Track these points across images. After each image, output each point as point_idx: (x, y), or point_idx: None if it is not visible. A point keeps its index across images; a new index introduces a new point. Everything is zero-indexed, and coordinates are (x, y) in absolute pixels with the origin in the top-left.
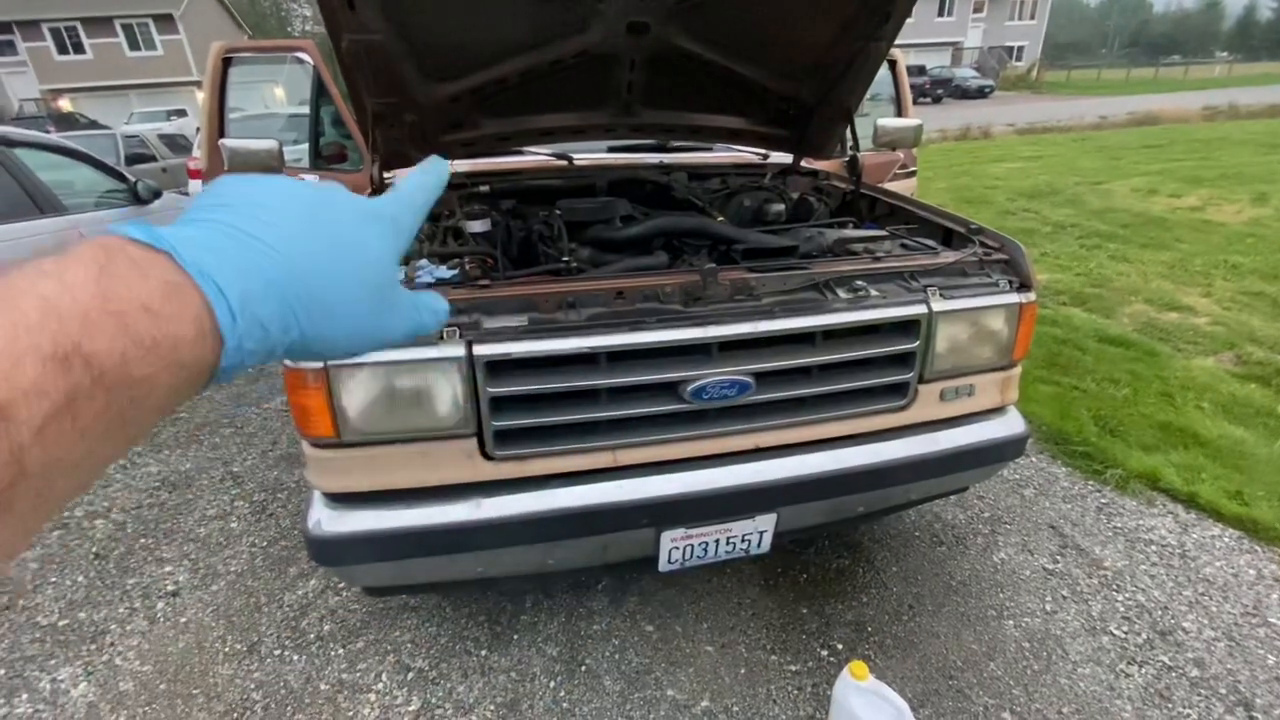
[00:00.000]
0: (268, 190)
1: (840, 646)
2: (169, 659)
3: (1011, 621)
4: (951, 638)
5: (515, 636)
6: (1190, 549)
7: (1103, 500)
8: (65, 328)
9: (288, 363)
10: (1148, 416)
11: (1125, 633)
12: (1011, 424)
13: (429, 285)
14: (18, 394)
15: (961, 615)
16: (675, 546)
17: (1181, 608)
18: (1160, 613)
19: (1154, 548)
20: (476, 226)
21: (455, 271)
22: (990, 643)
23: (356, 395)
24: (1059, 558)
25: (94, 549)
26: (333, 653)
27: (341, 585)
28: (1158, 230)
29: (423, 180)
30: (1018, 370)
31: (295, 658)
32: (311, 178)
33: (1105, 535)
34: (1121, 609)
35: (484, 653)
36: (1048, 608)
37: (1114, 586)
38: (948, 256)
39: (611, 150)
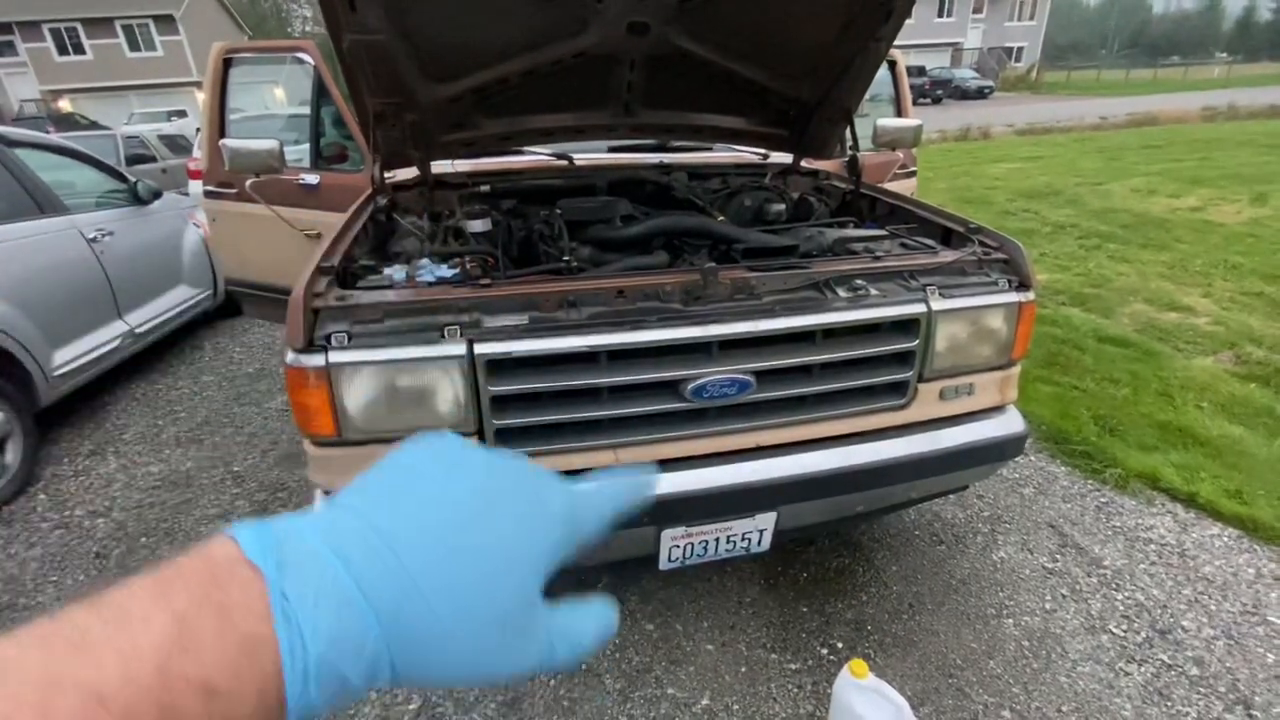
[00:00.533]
0: (428, 464)
1: (840, 645)
2: None
3: (1011, 620)
4: (951, 636)
5: None
6: (1189, 548)
7: (1102, 499)
8: None
9: (288, 361)
10: (1147, 416)
11: (1124, 631)
12: (1011, 423)
13: (431, 283)
14: None
15: (961, 614)
16: (675, 545)
17: (1181, 606)
18: (1159, 611)
19: (1153, 547)
20: (477, 226)
21: (456, 270)
22: (990, 641)
23: (358, 394)
24: (1058, 556)
25: (95, 548)
26: None
27: None
28: (1157, 230)
29: (622, 489)
30: (1017, 369)
31: None
32: (312, 178)
33: (1105, 534)
34: (1121, 608)
35: None
36: (1047, 606)
37: (1113, 585)
38: (947, 256)
39: (612, 150)
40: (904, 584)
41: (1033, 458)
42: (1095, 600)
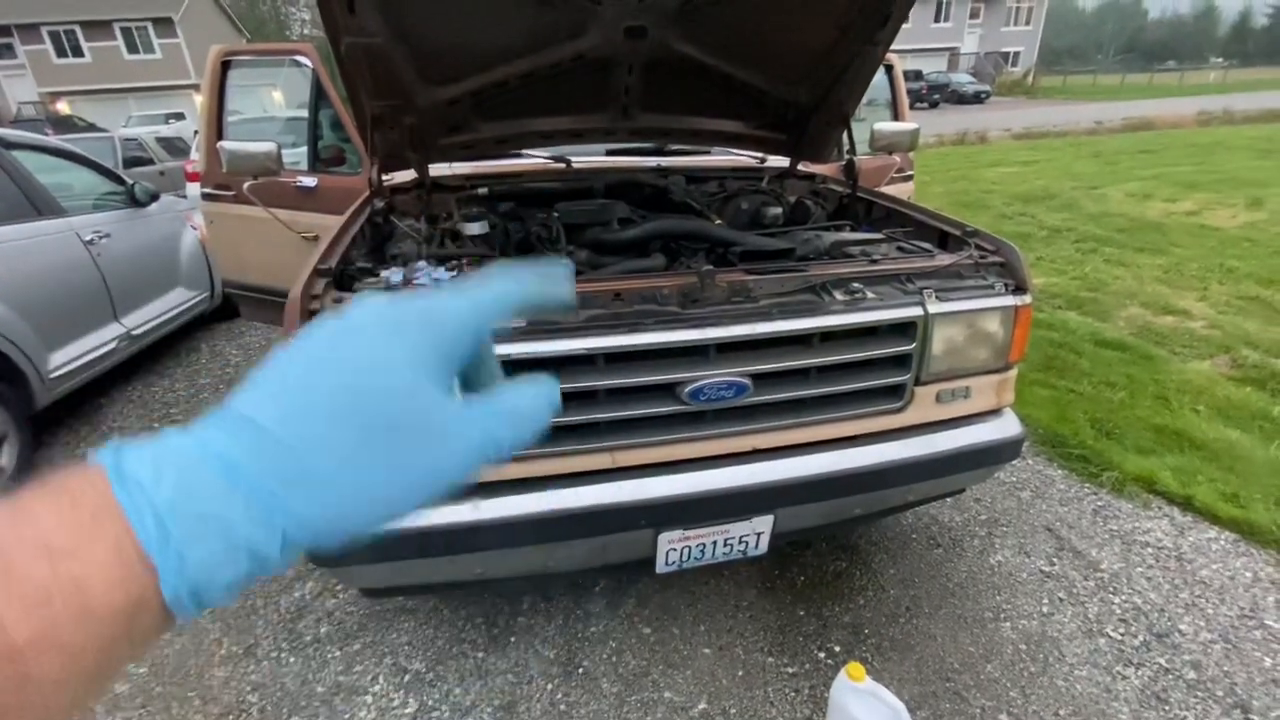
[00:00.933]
0: (298, 343)
1: (838, 648)
2: (165, 661)
3: (1008, 624)
4: (948, 640)
5: (512, 639)
6: (1186, 551)
7: (1099, 503)
8: None
9: None
10: (1144, 419)
11: (1122, 635)
12: (1007, 426)
13: (428, 286)
14: None
15: (958, 617)
16: (673, 548)
17: (1178, 610)
18: (1157, 615)
19: (1150, 550)
20: (474, 229)
21: (454, 273)
22: (987, 645)
23: None
24: (1056, 560)
25: None
26: (329, 655)
27: (339, 587)
28: (1153, 234)
29: (512, 286)
30: (1014, 373)
31: (292, 660)
32: (310, 181)
33: (1102, 538)
34: (1118, 611)
35: (481, 655)
36: (1045, 610)
37: (1110, 589)
38: (943, 259)
39: (609, 153)
40: (901, 588)
41: (1030, 461)
42: (1092, 604)
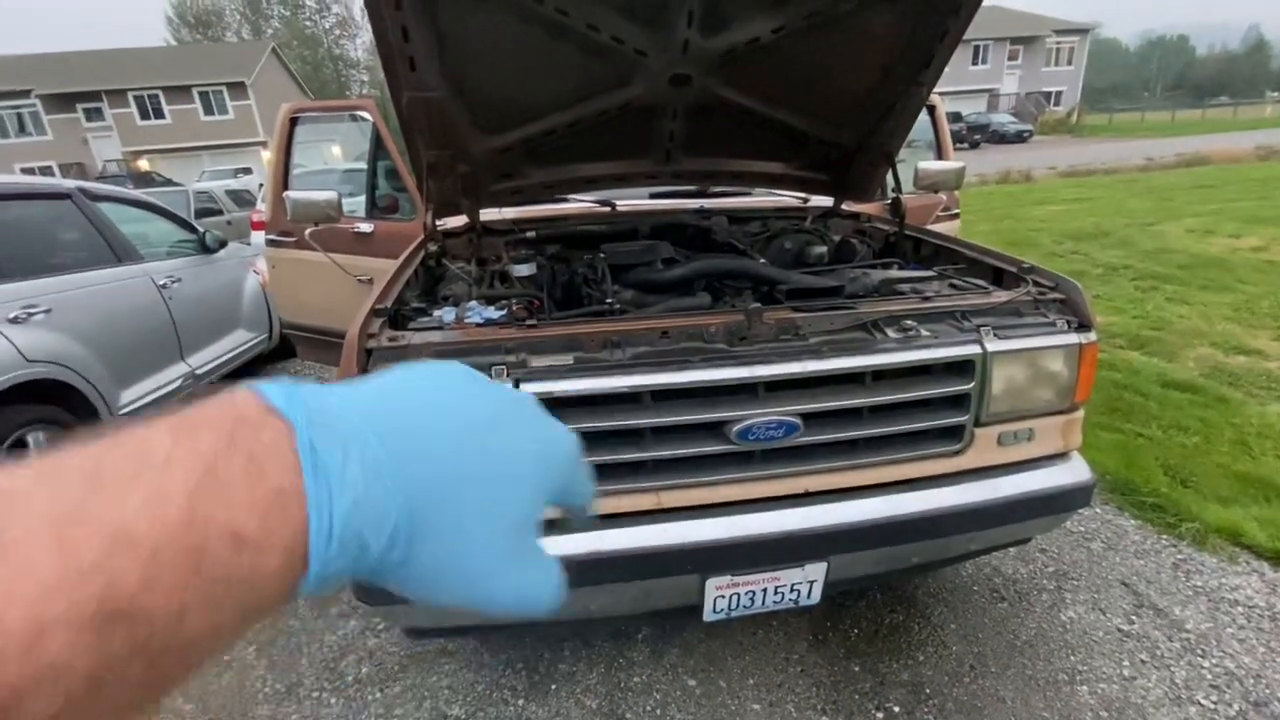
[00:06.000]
0: (447, 377)
1: (896, 709)
2: (211, 697)
3: (1085, 687)
4: (1020, 703)
5: (553, 686)
6: None
7: (1179, 556)
8: (124, 576)
9: None
10: (1223, 466)
11: (1215, 703)
12: (1076, 471)
13: (479, 325)
14: (30, 679)
15: (1029, 678)
16: (721, 595)
17: (1277, 676)
18: (1253, 681)
19: (1240, 609)
20: (523, 270)
21: (503, 313)
22: (1064, 710)
23: None
24: (1134, 618)
25: None
26: (370, 696)
27: (381, 627)
28: (1218, 271)
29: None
30: (1080, 414)
31: (333, 700)
32: (367, 226)
33: (1185, 594)
34: (1209, 676)
35: (521, 702)
36: (1125, 673)
37: (1198, 651)
38: (1000, 296)
39: (653, 196)
40: (964, 643)
41: (1099, 509)
42: (1179, 667)
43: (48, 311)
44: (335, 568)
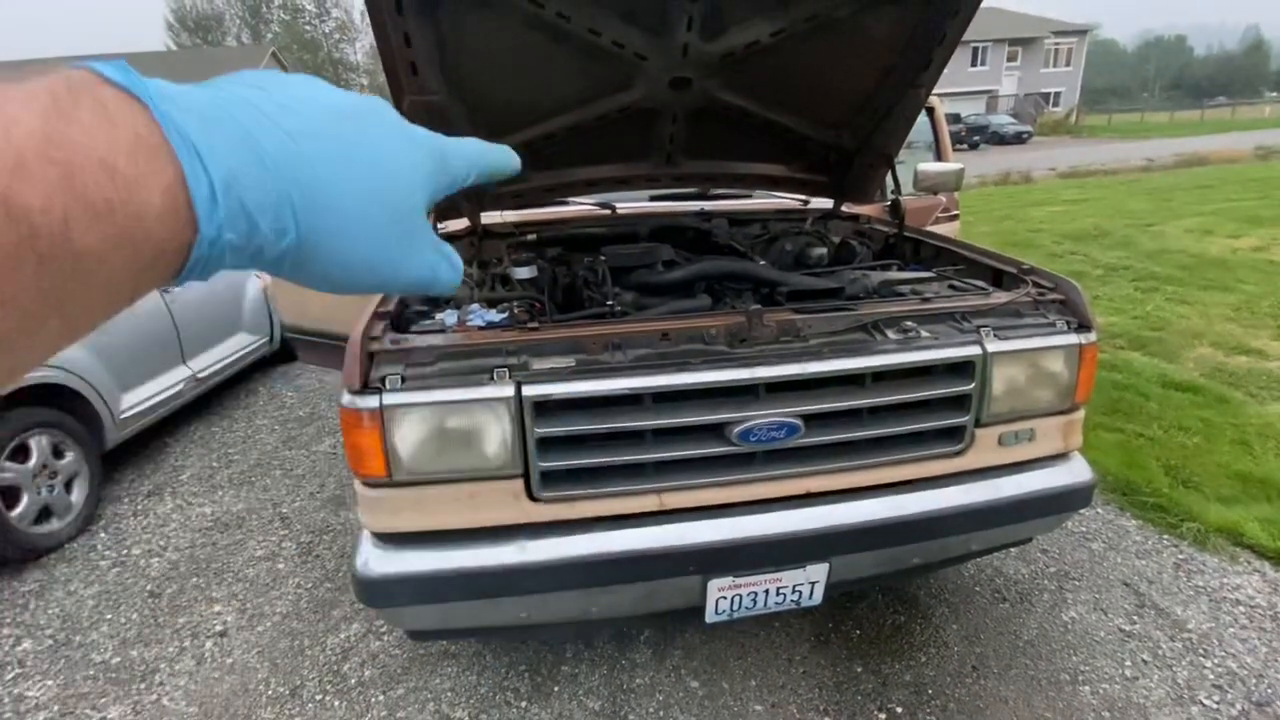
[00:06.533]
0: (300, 80)
1: (899, 709)
2: (214, 700)
3: (1088, 687)
4: (1022, 703)
5: (556, 688)
6: None
7: (1180, 556)
8: None
9: (344, 403)
10: (1224, 466)
11: (1217, 703)
12: (1076, 471)
13: (481, 327)
14: None
15: (1031, 678)
16: (723, 596)
17: (1278, 676)
18: (1255, 681)
19: (1242, 608)
20: (524, 273)
21: (504, 316)
22: (1065, 711)
23: (408, 435)
24: (1136, 618)
25: (149, 586)
26: (373, 699)
27: (383, 629)
28: (1218, 271)
29: (487, 149)
30: (1081, 414)
31: (336, 703)
32: None
33: (1186, 594)
34: (1211, 676)
35: (524, 704)
36: (1128, 673)
37: (1200, 651)
38: (1000, 297)
39: (653, 199)
40: (965, 644)
41: (1100, 510)
42: (1181, 667)
43: None
44: (227, 237)
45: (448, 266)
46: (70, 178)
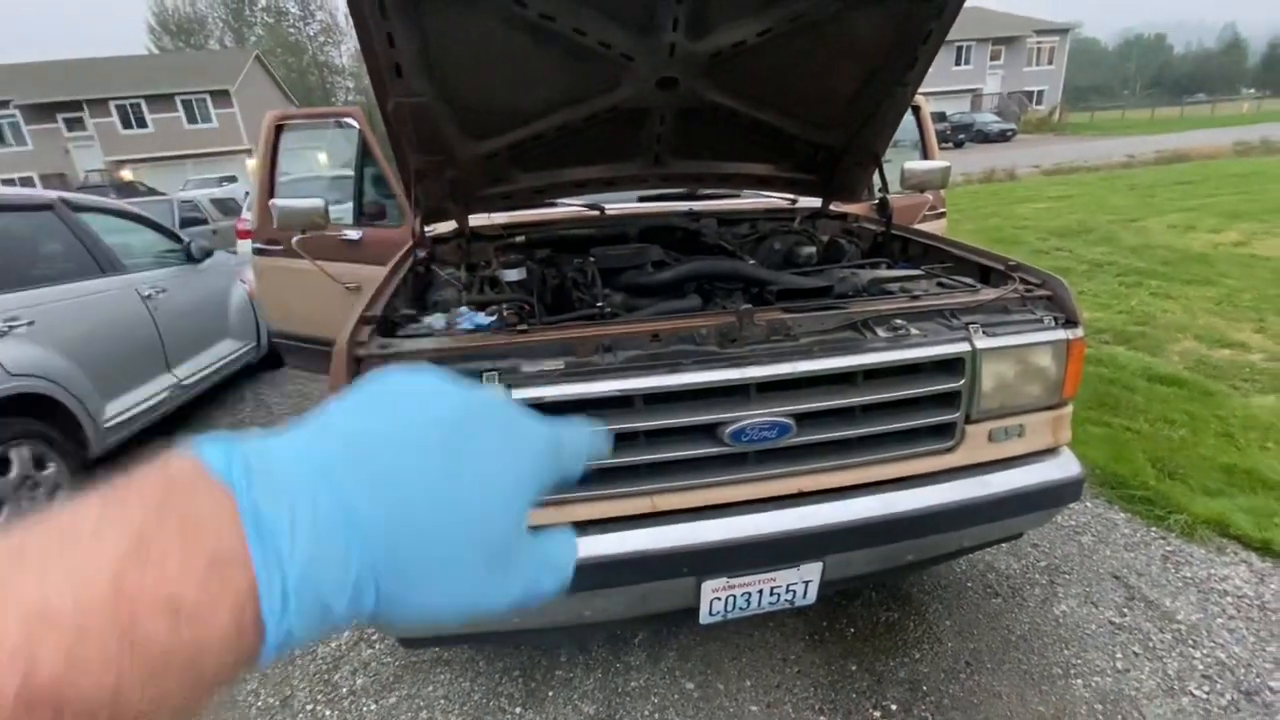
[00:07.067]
0: (413, 390)
1: (894, 707)
2: (202, 712)
3: (1080, 680)
4: (1015, 698)
5: (550, 693)
6: (1270, 601)
7: (1168, 548)
8: (46, 659)
9: None
10: (1209, 458)
11: (1207, 693)
12: (1066, 465)
13: (470, 331)
14: None
15: (1024, 673)
16: (717, 597)
17: (1266, 665)
18: (1243, 671)
19: (1230, 599)
20: (512, 275)
21: (494, 318)
22: (1059, 704)
23: None
24: (1126, 610)
25: None
26: (365, 708)
27: (375, 637)
28: (1200, 266)
29: (593, 434)
30: (1069, 409)
31: (328, 713)
32: (354, 234)
33: (1175, 586)
34: (1200, 667)
35: (519, 710)
36: (1119, 665)
37: (1190, 642)
38: (988, 294)
39: (642, 199)
40: (959, 640)
41: (1089, 503)
42: (1171, 659)
43: (30, 324)
44: (299, 632)
45: (550, 573)
46: (131, 640)
